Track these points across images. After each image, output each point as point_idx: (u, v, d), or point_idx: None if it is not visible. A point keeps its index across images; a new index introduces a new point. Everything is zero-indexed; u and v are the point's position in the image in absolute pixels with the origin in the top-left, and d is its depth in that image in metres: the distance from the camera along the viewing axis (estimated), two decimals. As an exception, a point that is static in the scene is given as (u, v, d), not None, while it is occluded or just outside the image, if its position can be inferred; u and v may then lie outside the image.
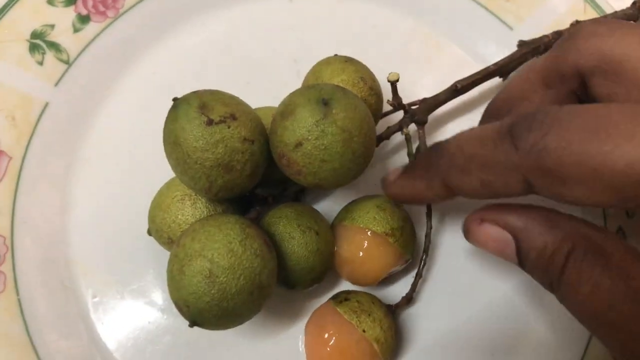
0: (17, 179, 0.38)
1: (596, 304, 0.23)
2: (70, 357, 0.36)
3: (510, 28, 0.43)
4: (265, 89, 0.43)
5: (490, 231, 0.28)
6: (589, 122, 0.21)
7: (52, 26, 0.41)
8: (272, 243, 0.32)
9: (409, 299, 0.36)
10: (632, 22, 0.27)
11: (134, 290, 0.38)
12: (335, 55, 0.37)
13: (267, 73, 0.44)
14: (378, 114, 0.37)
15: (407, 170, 0.31)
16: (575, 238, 0.24)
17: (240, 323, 0.30)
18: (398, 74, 0.35)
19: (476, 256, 0.39)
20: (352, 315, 0.32)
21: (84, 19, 0.42)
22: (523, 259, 0.27)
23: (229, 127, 0.29)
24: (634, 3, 0.39)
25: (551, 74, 0.29)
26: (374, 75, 0.37)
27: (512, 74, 0.33)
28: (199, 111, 0.29)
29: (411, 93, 0.41)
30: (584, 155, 0.21)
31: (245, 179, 0.30)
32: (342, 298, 0.34)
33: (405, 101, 0.38)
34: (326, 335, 0.32)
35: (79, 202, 0.40)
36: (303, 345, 0.35)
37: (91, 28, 0.42)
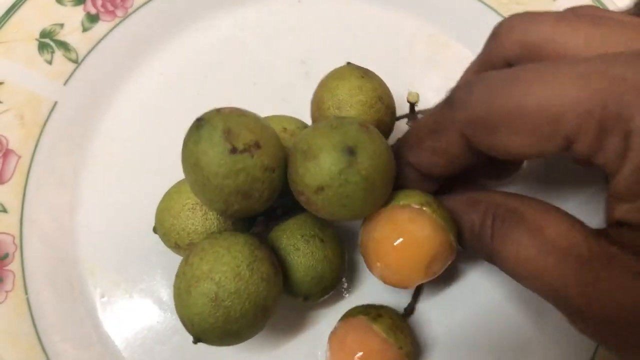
0: (25, 177, 0.38)
1: (523, 261, 0.25)
2: (79, 356, 0.36)
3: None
4: (273, 90, 0.43)
5: None
6: (507, 75, 0.25)
7: (61, 25, 0.41)
8: (279, 257, 0.33)
9: (412, 309, 0.37)
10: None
11: (142, 289, 0.38)
12: (348, 64, 0.36)
13: (275, 74, 0.43)
14: (391, 130, 0.36)
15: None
16: (495, 209, 0.28)
17: (242, 342, 0.31)
18: (418, 95, 0.35)
19: (476, 261, 0.39)
20: (390, 333, 0.32)
21: (93, 18, 0.42)
22: (462, 241, 0.30)
23: (252, 157, 0.28)
24: (636, 4, 0.39)
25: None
26: (388, 90, 0.36)
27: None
28: (223, 137, 0.28)
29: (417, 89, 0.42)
30: (504, 100, 0.24)
31: (262, 205, 0.30)
32: (374, 314, 0.33)
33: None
34: (360, 354, 0.31)
35: (87, 201, 0.40)
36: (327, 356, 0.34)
37: (100, 27, 0.42)
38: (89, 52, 0.41)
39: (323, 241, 0.33)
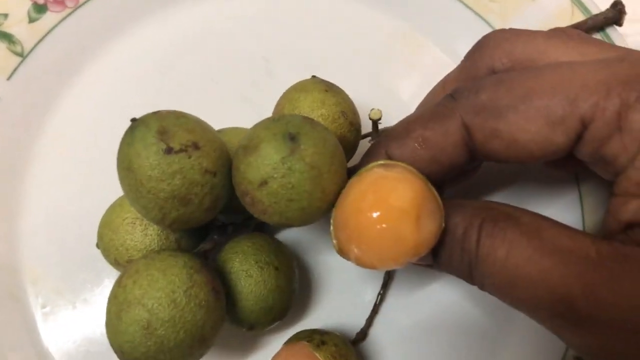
0: (-37, 178, 0.36)
1: (514, 262, 0.23)
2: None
3: (494, 29, 0.41)
4: (233, 88, 0.40)
5: None
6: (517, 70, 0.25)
7: (5, 15, 0.38)
8: (227, 281, 0.30)
9: (364, 335, 0.35)
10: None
11: (86, 300, 0.36)
12: (313, 77, 0.34)
13: (236, 71, 0.41)
14: (355, 146, 0.34)
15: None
16: (485, 212, 0.24)
17: None
18: (381, 112, 0.32)
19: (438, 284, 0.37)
20: None
21: (40, 8, 0.39)
22: (436, 254, 0.26)
23: (189, 157, 0.26)
24: (614, 4, 0.37)
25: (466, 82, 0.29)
26: (353, 106, 0.34)
27: (429, 91, 0.33)
28: (157, 137, 0.26)
29: (391, 95, 0.40)
30: (516, 83, 0.24)
31: (202, 213, 0.28)
32: (318, 341, 0.31)
33: (383, 103, 0.35)
34: None
35: (29, 205, 0.38)
36: None
37: (48, 18, 0.39)
38: (36, 45, 0.38)
39: (277, 269, 0.31)
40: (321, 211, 0.28)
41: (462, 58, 0.41)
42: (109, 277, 0.36)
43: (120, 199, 0.32)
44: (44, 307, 0.36)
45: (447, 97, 0.26)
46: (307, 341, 0.31)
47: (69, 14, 0.39)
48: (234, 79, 0.41)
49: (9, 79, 0.38)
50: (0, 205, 0.37)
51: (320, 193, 0.27)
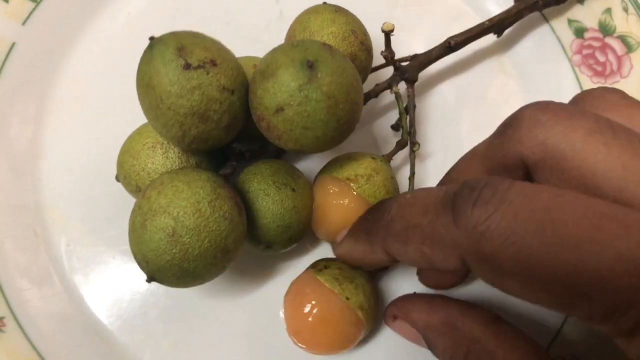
0: (-17, 122, 0.36)
1: None
2: (43, 304, 0.34)
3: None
4: (245, 30, 0.41)
5: (403, 327, 0.31)
6: (537, 212, 0.19)
7: (19, -41, 0.39)
8: (246, 200, 0.31)
9: (385, 268, 0.35)
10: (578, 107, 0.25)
11: (108, 238, 0.36)
12: (324, 3, 0.35)
13: (248, 13, 0.41)
14: (367, 70, 0.35)
15: (351, 231, 0.30)
16: (468, 342, 0.27)
17: (201, 284, 0.29)
18: (393, 25, 0.33)
19: None
20: (334, 283, 0.30)
21: (56, -48, 0.39)
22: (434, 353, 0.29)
23: (207, 74, 0.27)
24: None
25: (494, 165, 0.27)
26: (365, 28, 0.34)
27: (458, 161, 0.30)
28: (176, 53, 0.26)
29: (403, 45, 0.40)
30: (525, 251, 0.19)
31: (222, 131, 0.28)
32: (321, 266, 0.32)
33: (397, 54, 0.36)
34: (308, 305, 0.30)
35: (50, 147, 0.38)
36: (283, 315, 0.33)
37: (62, -37, 0.40)
38: (49, -11, 0.39)
39: (294, 190, 0.31)
40: (335, 140, 0.29)
41: (475, 4, 0.42)
42: (128, 215, 0.36)
43: (137, 129, 0.33)
44: (67, 245, 0.36)
45: (449, 213, 0.22)
46: (312, 267, 0.32)
47: (82, -42, 0.40)
48: (246, 21, 0.41)
49: (23, 24, 0.38)
50: (22, 147, 0.38)
51: (336, 122, 0.27)
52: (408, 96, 0.35)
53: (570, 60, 0.40)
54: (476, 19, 0.41)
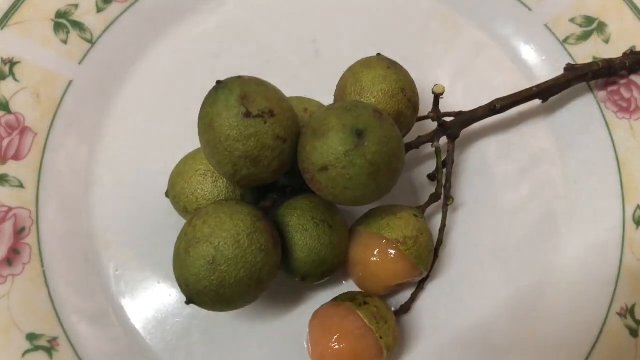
0: (41, 154, 0.39)
1: None
2: (93, 326, 0.37)
3: (529, 9, 0.43)
4: (284, 67, 0.44)
5: None
6: None
7: (76, 6, 0.42)
8: (285, 234, 0.33)
9: (407, 308, 0.37)
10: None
11: (155, 263, 0.39)
12: (378, 55, 0.36)
13: (286, 52, 0.44)
14: (411, 125, 0.36)
15: None
16: None
17: (235, 309, 0.31)
18: (444, 87, 0.35)
19: (480, 269, 0.39)
20: (372, 321, 0.32)
21: (107, -1, 0.43)
22: None
23: (265, 123, 0.29)
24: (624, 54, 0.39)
25: None
26: (414, 85, 0.36)
27: None
28: (239, 101, 0.29)
29: (429, 75, 0.43)
30: None
31: (269, 174, 0.31)
32: (360, 301, 0.33)
33: (421, 82, 0.37)
34: (340, 335, 0.32)
35: (102, 177, 0.41)
36: (307, 337, 0.34)
37: (114, 8, 0.43)
38: (104, 32, 0.42)
39: (331, 227, 0.33)
40: (371, 200, 0.31)
41: (498, 37, 0.44)
42: (174, 241, 0.39)
43: (192, 153, 0.36)
44: (116, 270, 0.38)
45: None
46: (351, 301, 0.34)
47: (132, 4, 0.43)
48: (284, 60, 0.44)
49: (80, 63, 0.41)
50: (76, 177, 0.40)
51: (375, 187, 0.30)
52: (448, 151, 0.37)
53: (596, 97, 0.41)
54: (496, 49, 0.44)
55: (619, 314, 0.36)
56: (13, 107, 0.39)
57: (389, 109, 0.34)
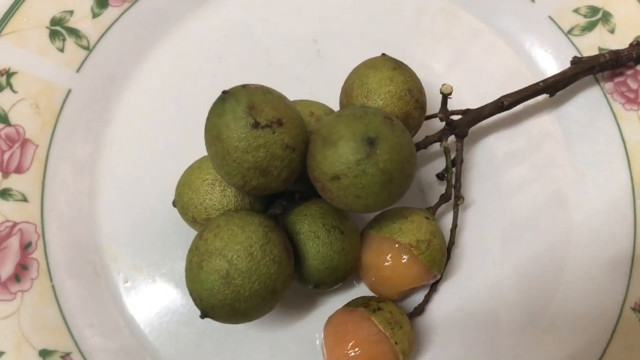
0: (44, 166, 0.39)
1: None
2: (105, 339, 0.36)
3: (532, 0, 0.43)
4: (286, 69, 0.43)
5: None
6: None
7: (71, 12, 0.41)
8: (296, 242, 0.33)
9: (421, 310, 0.36)
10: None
11: (164, 273, 0.38)
12: (383, 55, 0.36)
13: (288, 53, 0.44)
14: (419, 125, 0.36)
15: None
16: None
17: (249, 321, 0.31)
18: (451, 87, 0.35)
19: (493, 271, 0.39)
20: (387, 326, 0.32)
21: (102, 4, 0.41)
22: None
23: (273, 133, 0.28)
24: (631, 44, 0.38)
25: None
26: (421, 86, 0.36)
27: None
28: (247, 111, 0.28)
29: (434, 73, 0.43)
30: None
31: (279, 183, 0.30)
32: (374, 307, 0.33)
33: (425, 79, 0.37)
34: (356, 341, 0.32)
35: (106, 187, 0.40)
36: (322, 343, 0.34)
37: (110, 13, 0.42)
38: (100, 38, 0.41)
39: (343, 233, 0.33)
40: (384, 207, 0.31)
41: (497, 27, 0.44)
42: (183, 251, 0.37)
43: (198, 162, 0.35)
44: (125, 281, 0.38)
45: None
46: (364, 306, 0.33)
47: (128, 8, 0.42)
48: (286, 61, 0.43)
49: (78, 71, 0.40)
50: (80, 188, 0.40)
51: (387, 194, 0.29)
52: (456, 150, 0.37)
53: (602, 89, 0.41)
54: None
55: (634, 309, 0.36)
56: (12, 119, 0.38)
57: (397, 111, 0.34)
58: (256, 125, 0.28)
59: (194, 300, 0.30)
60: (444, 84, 0.34)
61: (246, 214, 0.31)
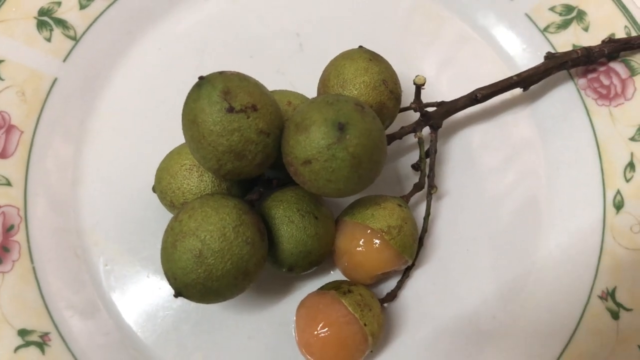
0: (28, 152, 0.39)
1: None
2: (84, 321, 0.37)
3: (516, -2, 0.44)
4: (268, 62, 0.44)
5: None
6: None
7: (59, 3, 0.42)
8: (271, 226, 0.33)
9: (394, 296, 0.37)
10: None
11: (144, 258, 0.39)
12: (360, 47, 0.37)
13: (271, 47, 0.44)
14: (394, 116, 0.37)
15: None
16: None
17: (223, 301, 0.32)
18: (425, 78, 0.35)
19: (465, 258, 0.40)
20: (356, 308, 0.33)
21: (89, -5, 0.42)
22: None
23: (248, 118, 0.29)
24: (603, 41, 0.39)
25: None
26: (396, 76, 0.36)
27: None
28: (222, 96, 0.29)
29: (413, 67, 0.43)
30: None
31: (254, 167, 0.31)
32: (345, 289, 0.34)
33: (405, 74, 0.38)
34: (325, 323, 0.33)
35: (89, 173, 0.41)
36: (295, 328, 0.35)
37: (97, 4, 0.43)
38: (87, 28, 0.42)
39: (317, 219, 0.34)
40: (354, 192, 0.32)
41: (480, 27, 0.45)
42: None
43: (177, 148, 0.36)
44: (105, 265, 0.39)
45: None
46: (335, 289, 0.34)
47: (115, 0, 0.43)
48: (269, 54, 0.44)
49: (64, 60, 0.41)
50: (64, 174, 0.41)
51: (357, 179, 0.30)
52: (431, 141, 0.38)
53: (576, 84, 0.42)
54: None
55: (600, 297, 0.36)
56: (-2, 105, 0.39)
57: (371, 101, 0.34)
58: (231, 109, 0.29)
59: (168, 279, 0.30)
60: (417, 75, 0.35)
61: (221, 197, 0.31)
